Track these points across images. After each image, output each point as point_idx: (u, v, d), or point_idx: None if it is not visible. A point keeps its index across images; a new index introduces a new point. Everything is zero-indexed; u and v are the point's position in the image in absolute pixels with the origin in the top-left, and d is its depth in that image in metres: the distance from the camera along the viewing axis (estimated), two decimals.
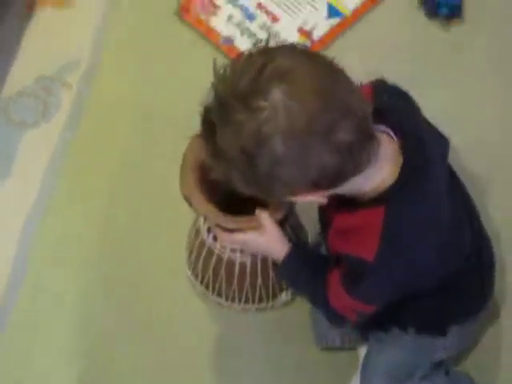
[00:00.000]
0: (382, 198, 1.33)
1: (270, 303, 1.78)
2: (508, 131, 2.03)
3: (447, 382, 1.63)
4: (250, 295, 1.75)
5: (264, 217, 1.46)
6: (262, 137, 1.20)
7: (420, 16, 2.17)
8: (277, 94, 1.19)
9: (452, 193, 1.42)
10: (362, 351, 1.70)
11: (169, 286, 1.84)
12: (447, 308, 1.54)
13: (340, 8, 2.16)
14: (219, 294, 1.77)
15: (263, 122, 1.19)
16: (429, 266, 1.38)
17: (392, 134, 1.35)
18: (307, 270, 1.51)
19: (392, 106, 1.40)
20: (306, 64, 1.23)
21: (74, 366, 1.77)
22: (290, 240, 1.52)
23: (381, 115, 1.33)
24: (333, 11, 2.16)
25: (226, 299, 1.77)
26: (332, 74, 1.24)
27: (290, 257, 1.50)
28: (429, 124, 1.47)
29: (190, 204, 1.48)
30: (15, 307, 1.83)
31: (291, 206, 1.54)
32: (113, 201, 1.95)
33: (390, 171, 1.33)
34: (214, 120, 1.24)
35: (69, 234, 1.91)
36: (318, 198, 1.32)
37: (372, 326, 1.61)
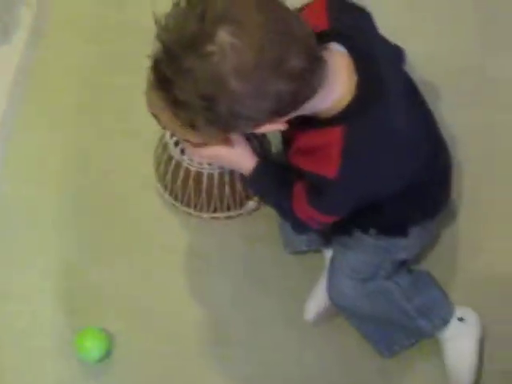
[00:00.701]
0: (341, 117, 1.37)
1: (238, 211, 1.84)
2: (459, 40, 2.07)
3: (409, 280, 1.70)
4: (218, 204, 1.81)
5: None
6: (217, 79, 1.23)
7: None
8: (222, 36, 1.22)
9: (410, 103, 1.46)
10: (328, 253, 1.78)
11: (138, 199, 1.89)
12: (407, 211, 1.59)
13: None
14: (188, 205, 1.83)
15: (215, 65, 1.22)
16: (389, 178, 1.42)
17: (344, 50, 1.38)
18: (274, 182, 1.55)
19: (345, 23, 1.42)
20: (243, 1, 1.25)
21: (51, 279, 1.83)
22: (256, 152, 1.56)
23: (333, 33, 1.37)
24: None
25: (195, 209, 1.83)
26: (269, 2, 1.27)
27: (257, 170, 1.53)
28: (383, 39, 1.49)
29: (159, 121, 1.51)
30: None
31: None
32: (79, 118, 1.98)
33: (344, 88, 1.36)
34: (167, 72, 1.26)
35: (36, 154, 1.94)
36: (279, 126, 1.35)
37: (335, 230, 1.68)
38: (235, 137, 1.49)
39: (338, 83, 1.35)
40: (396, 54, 1.51)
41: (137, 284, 1.82)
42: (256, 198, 1.83)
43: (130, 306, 1.80)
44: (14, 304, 1.80)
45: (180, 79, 1.25)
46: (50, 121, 1.97)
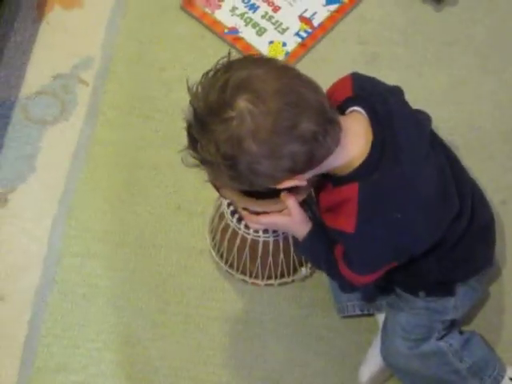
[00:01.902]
0: (356, 173, 1.47)
1: (291, 277, 1.90)
2: (500, 109, 2.13)
3: (461, 341, 1.73)
4: (272, 271, 1.86)
5: (289, 199, 1.56)
6: (236, 141, 1.37)
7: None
8: (241, 103, 1.36)
9: (435, 161, 1.53)
10: (380, 317, 1.82)
11: (192, 270, 1.94)
12: (451, 268, 1.64)
13: None
14: (243, 272, 1.89)
15: (234, 129, 1.37)
16: (411, 232, 1.49)
17: (364, 113, 1.49)
18: (324, 246, 1.62)
19: (367, 89, 1.53)
20: (261, 71, 1.39)
21: (109, 351, 1.88)
22: (309, 218, 1.62)
23: (355, 97, 1.50)
24: None
25: (250, 276, 1.89)
26: (284, 73, 1.41)
27: (310, 235, 1.61)
28: (406, 104, 1.57)
29: (219, 191, 1.59)
30: (50, 299, 1.92)
31: (310, 187, 1.62)
32: (134, 193, 2.04)
33: (360, 147, 1.47)
34: (194, 134, 1.42)
35: (94, 229, 2.00)
36: (299, 182, 1.46)
37: (384, 294, 1.76)
38: (293, 204, 1.57)
39: (353, 142, 1.46)
40: (421, 118, 1.59)
41: (192, 353, 1.86)
42: (309, 265, 1.88)
43: (185, 375, 1.84)
44: (73, 376, 1.84)
45: (204, 139, 1.39)
46: (104, 196, 2.03)
